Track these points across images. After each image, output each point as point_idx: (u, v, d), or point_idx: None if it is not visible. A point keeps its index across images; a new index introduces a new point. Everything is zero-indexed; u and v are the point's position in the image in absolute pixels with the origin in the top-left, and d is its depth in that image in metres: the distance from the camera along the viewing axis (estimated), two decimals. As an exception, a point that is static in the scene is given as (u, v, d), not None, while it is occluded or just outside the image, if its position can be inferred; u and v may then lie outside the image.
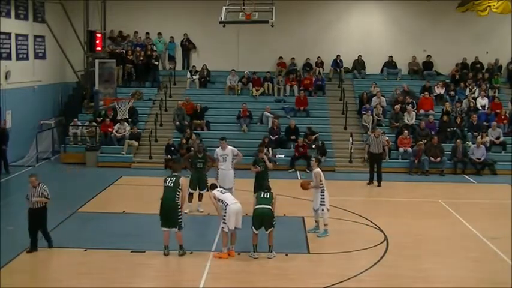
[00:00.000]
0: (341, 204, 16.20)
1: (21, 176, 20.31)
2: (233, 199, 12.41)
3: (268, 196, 12.43)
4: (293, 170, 21.79)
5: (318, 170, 13.71)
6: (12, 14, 22.04)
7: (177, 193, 12.08)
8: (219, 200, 12.28)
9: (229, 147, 15.87)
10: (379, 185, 19.27)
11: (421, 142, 21.96)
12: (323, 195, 13.59)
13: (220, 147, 15.81)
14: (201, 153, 15.71)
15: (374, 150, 19.47)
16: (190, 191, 15.29)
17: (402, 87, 25.30)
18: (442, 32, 26.97)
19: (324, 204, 13.57)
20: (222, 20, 20.11)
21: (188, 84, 26.54)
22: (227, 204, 12.12)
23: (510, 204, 16.56)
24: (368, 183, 19.42)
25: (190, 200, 15.20)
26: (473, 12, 24.74)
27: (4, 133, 20.76)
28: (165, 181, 12.26)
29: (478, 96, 25.00)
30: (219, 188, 12.81)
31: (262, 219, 12.08)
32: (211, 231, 13.68)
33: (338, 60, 27.02)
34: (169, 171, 21.36)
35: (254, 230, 12.16)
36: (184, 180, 12.39)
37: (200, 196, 15.55)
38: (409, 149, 22.04)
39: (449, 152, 21.97)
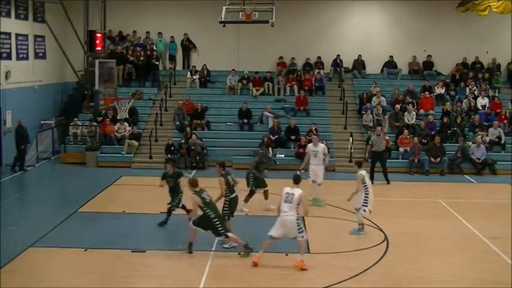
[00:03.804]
0: (341, 204, 16.19)
1: (21, 176, 20.34)
2: (285, 211, 11.52)
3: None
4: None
5: (360, 172, 13.80)
6: (12, 14, 22.04)
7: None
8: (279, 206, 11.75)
9: (321, 145, 16.64)
10: (388, 183, 19.44)
11: (415, 139, 21.97)
12: (367, 196, 13.63)
13: (312, 143, 16.52)
14: (266, 158, 16.06)
15: (377, 148, 19.55)
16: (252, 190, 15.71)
17: (407, 87, 25.30)
18: (442, 32, 26.97)
19: (366, 205, 13.62)
20: (222, 20, 20.13)
21: (188, 84, 26.54)
22: (279, 216, 11.68)
23: (510, 204, 16.56)
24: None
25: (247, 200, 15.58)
26: (473, 12, 24.76)
27: (23, 132, 20.96)
28: (205, 198, 11.98)
29: (478, 96, 25.01)
30: (289, 190, 11.72)
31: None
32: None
33: (338, 60, 27.03)
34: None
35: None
36: None
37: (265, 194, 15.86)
38: (409, 149, 22.06)
39: (453, 152, 21.96)
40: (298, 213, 11.55)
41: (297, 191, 11.52)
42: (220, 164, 13.20)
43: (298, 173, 14.27)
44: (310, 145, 16.81)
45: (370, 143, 20.27)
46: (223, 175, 13.01)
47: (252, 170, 15.80)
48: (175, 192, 14.28)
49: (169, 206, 14.22)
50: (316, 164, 16.33)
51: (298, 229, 11.49)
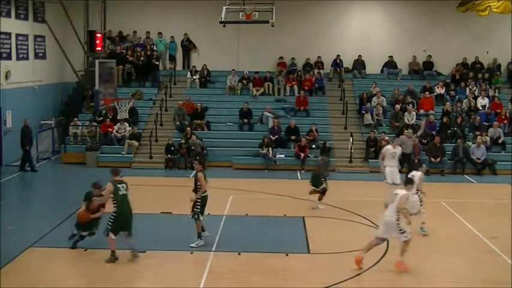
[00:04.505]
0: (341, 204, 16.23)
1: (21, 177, 20.34)
2: (387, 211, 11.72)
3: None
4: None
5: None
6: (13, 14, 22.05)
7: None
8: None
9: (399, 147, 17.02)
10: None
11: (415, 138, 21.98)
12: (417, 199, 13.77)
13: (391, 145, 16.77)
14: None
15: (406, 150, 19.63)
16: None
17: (407, 87, 25.31)
18: (442, 32, 26.97)
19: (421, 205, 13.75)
20: (222, 20, 20.12)
21: (188, 84, 26.54)
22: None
23: (510, 203, 16.55)
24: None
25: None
26: (473, 12, 24.73)
27: (28, 133, 21.06)
28: (119, 189, 11.72)
29: (478, 96, 25.02)
30: (396, 191, 11.86)
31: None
32: (212, 231, 13.63)
33: (338, 60, 27.02)
34: (169, 171, 21.61)
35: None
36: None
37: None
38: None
39: (449, 152, 21.98)
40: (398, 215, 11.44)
41: (401, 192, 11.61)
42: (200, 161, 13.29)
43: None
44: (389, 147, 16.90)
45: (398, 143, 20.21)
46: (202, 172, 12.93)
47: (322, 171, 16.59)
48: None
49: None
50: (393, 166, 16.45)
51: (399, 230, 11.47)
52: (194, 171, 13.07)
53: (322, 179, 16.39)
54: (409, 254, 12.55)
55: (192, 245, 12.59)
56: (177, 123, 23.76)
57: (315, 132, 22.94)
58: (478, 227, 14.51)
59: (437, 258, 12.36)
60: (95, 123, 23.35)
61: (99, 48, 22.66)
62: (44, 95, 24.46)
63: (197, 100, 24.76)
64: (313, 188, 16.34)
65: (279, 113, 24.36)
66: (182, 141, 22.29)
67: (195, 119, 24.01)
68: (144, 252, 12.34)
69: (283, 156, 22.29)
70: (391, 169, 16.31)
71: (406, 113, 23.81)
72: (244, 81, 26.18)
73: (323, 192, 16.30)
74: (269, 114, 24.00)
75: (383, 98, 24.78)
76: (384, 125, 23.92)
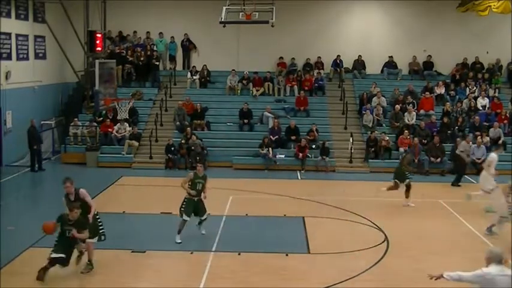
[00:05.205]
0: (341, 204, 16.23)
1: (21, 177, 20.34)
2: None
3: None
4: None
5: None
6: (13, 14, 22.05)
7: None
8: None
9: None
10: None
11: (415, 139, 21.99)
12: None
13: (494, 153, 17.06)
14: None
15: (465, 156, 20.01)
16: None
17: (408, 87, 25.32)
18: (442, 32, 26.96)
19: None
20: (222, 20, 20.13)
21: (188, 84, 26.54)
22: None
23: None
24: (455, 185, 19.84)
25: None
26: (473, 12, 24.73)
27: (35, 133, 21.18)
28: None
29: (478, 96, 25.02)
30: None
31: None
32: (212, 231, 13.66)
33: (338, 60, 27.01)
34: (169, 171, 21.61)
35: None
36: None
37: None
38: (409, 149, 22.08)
39: (449, 152, 21.98)
40: None
41: None
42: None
43: None
44: (493, 155, 17.01)
45: (466, 148, 20.46)
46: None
47: (407, 166, 17.06)
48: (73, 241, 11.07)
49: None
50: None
51: None
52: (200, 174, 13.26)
53: (407, 173, 16.74)
54: (408, 254, 12.60)
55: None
56: (177, 123, 23.76)
57: (315, 132, 22.95)
58: (478, 227, 14.50)
59: (437, 258, 12.35)
60: (95, 124, 23.36)
61: (99, 49, 22.63)
62: (44, 95, 24.46)
63: (197, 100, 24.75)
64: (396, 181, 16.75)
65: (279, 113, 24.36)
66: (182, 142, 22.31)
67: (195, 119, 24.01)
68: (144, 252, 12.35)
69: (283, 156, 22.29)
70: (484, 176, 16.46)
71: (406, 113, 23.82)
72: (244, 82, 26.19)
73: (408, 188, 16.67)
74: (269, 115, 24.01)
75: (383, 98, 24.78)
76: (384, 125, 23.92)
